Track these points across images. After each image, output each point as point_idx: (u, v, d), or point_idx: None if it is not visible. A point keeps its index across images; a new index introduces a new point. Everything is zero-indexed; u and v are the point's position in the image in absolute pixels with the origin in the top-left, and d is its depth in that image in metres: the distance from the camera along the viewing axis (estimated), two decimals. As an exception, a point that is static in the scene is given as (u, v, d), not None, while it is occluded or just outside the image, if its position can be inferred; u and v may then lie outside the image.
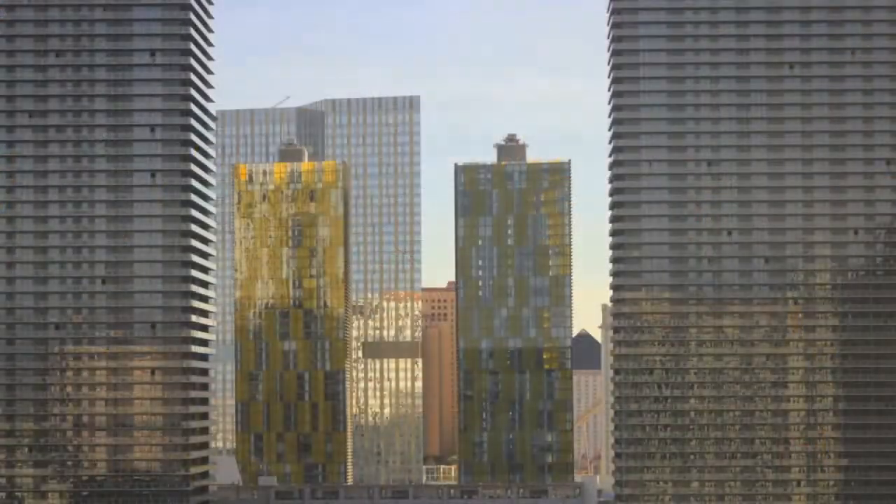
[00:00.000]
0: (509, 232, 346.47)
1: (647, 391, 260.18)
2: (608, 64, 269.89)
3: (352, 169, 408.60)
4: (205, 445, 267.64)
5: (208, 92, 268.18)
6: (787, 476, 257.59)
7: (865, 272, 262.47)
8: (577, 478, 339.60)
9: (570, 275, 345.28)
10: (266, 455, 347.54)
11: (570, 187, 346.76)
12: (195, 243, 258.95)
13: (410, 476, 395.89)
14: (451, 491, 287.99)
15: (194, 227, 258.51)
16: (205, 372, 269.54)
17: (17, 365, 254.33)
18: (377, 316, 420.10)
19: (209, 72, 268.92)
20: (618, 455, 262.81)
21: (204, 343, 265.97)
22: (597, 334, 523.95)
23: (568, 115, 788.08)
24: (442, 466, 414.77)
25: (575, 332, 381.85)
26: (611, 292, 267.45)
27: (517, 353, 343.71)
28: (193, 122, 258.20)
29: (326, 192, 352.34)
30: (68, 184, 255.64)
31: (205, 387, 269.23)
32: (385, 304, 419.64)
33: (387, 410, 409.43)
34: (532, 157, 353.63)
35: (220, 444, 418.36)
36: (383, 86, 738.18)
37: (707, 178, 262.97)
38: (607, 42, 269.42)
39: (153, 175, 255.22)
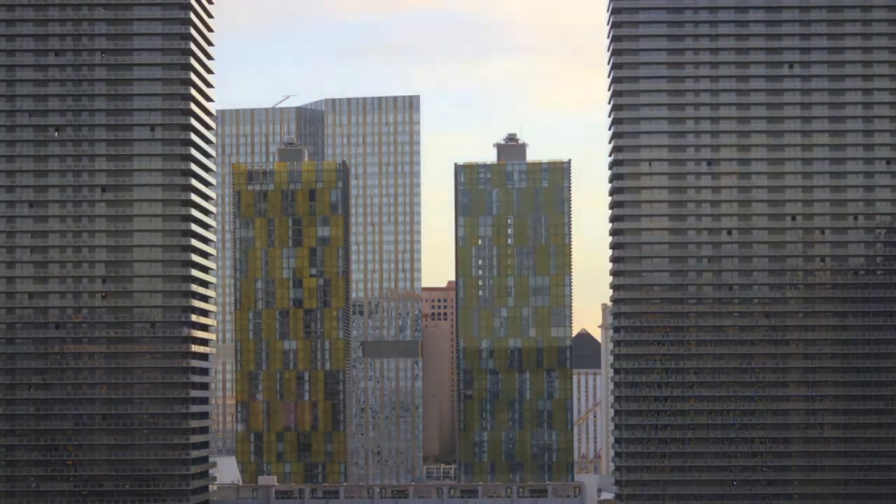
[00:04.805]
0: (509, 232, 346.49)
1: (647, 391, 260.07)
2: (608, 64, 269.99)
3: (352, 169, 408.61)
4: (205, 445, 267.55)
5: (208, 92, 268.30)
6: (787, 476, 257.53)
7: (865, 272, 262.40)
8: (577, 478, 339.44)
9: (570, 275, 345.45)
10: (266, 455, 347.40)
11: (570, 187, 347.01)
12: (195, 243, 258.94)
13: (410, 476, 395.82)
14: (451, 491, 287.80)
15: (194, 227, 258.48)
16: (205, 372, 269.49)
17: (17, 365, 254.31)
18: (377, 316, 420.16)
19: (209, 72, 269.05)
20: (618, 455, 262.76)
21: (204, 343, 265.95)
22: (597, 334, 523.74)
23: (568, 115, 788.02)
24: (442, 466, 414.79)
25: (575, 332, 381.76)
26: (611, 292, 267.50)
27: (517, 353, 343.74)
28: (193, 122, 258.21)
29: (326, 191, 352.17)
30: (68, 183, 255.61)
31: (205, 387, 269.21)
32: (385, 303, 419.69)
33: (387, 410, 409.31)
34: (532, 156, 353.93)
35: (220, 444, 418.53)
36: (383, 85, 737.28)
37: (707, 178, 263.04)
38: (607, 42, 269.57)
39: (153, 174, 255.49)
